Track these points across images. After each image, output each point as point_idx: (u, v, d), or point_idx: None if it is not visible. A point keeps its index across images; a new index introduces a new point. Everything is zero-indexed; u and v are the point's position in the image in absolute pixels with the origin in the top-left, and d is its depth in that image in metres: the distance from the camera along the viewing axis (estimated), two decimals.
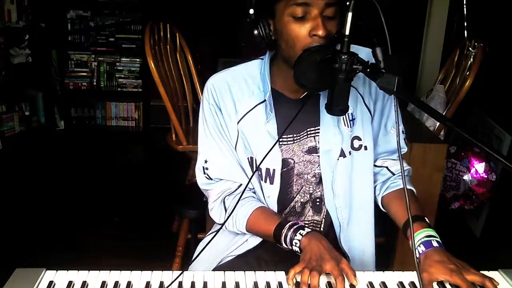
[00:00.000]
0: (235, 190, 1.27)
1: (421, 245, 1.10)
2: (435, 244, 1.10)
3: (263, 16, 1.12)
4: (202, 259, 1.28)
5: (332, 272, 1.02)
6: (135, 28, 4.36)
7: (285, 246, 1.16)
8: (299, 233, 1.13)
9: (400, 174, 1.31)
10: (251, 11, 1.11)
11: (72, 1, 4.28)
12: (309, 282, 1.00)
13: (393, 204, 1.29)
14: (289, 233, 1.14)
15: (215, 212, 1.30)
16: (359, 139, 1.25)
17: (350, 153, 1.24)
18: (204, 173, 1.29)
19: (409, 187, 1.29)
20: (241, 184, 1.27)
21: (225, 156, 1.26)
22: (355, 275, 1.03)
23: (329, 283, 1.03)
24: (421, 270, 1.06)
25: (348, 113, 1.22)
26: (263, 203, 1.27)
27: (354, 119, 1.24)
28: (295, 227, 1.15)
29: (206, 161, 1.28)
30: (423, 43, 3.92)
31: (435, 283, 1.04)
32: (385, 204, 1.32)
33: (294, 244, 1.13)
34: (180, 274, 1.04)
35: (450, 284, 1.04)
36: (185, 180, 2.59)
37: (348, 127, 1.23)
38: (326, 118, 1.22)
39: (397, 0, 3.55)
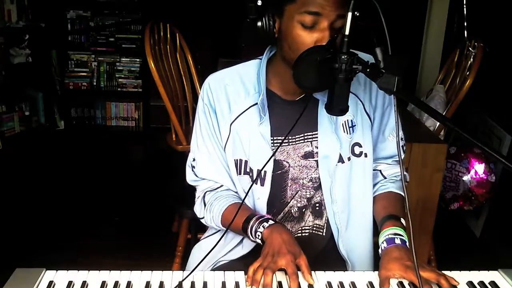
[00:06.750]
0: (216, 188, 1.29)
1: (384, 242, 1.14)
2: (397, 241, 1.13)
3: (270, 11, 1.09)
4: (195, 261, 1.28)
5: (287, 268, 1.04)
6: (135, 28, 4.35)
7: (251, 238, 1.17)
8: (262, 226, 1.14)
9: (392, 178, 1.34)
10: (259, 2, 1.09)
11: (72, 1, 4.27)
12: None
13: (376, 205, 1.31)
14: (255, 225, 1.15)
15: (197, 206, 1.33)
16: (360, 145, 1.24)
17: (349, 159, 1.24)
18: (192, 170, 1.32)
19: (399, 191, 1.31)
20: (222, 185, 1.29)
21: (212, 158, 1.28)
22: (310, 274, 1.05)
23: (280, 283, 1.03)
24: (380, 267, 1.09)
25: (348, 120, 1.23)
26: (252, 205, 1.27)
27: (354, 125, 1.23)
28: (260, 219, 1.16)
29: (194, 160, 1.30)
30: (423, 43, 3.92)
31: (435, 284, 1.04)
32: None
33: (257, 236, 1.15)
34: (187, 276, 1.04)
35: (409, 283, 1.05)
36: (185, 180, 2.59)
37: (348, 133, 1.23)
38: (324, 124, 1.22)
39: (397, 0, 3.54)
